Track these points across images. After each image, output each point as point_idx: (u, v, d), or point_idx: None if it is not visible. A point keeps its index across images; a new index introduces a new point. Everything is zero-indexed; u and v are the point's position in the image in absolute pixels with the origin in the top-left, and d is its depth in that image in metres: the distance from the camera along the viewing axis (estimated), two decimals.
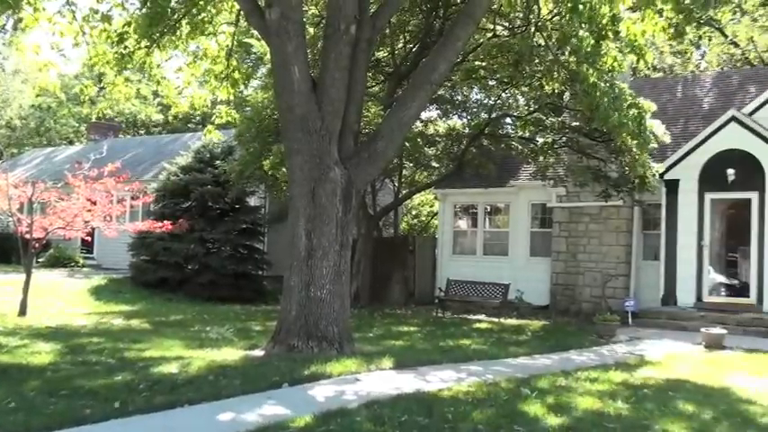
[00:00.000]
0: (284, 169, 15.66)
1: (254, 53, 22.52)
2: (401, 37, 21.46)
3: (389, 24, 18.32)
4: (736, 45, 33.20)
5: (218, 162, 22.65)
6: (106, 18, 13.06)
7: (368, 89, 19.36)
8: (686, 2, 9.36)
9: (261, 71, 25.23)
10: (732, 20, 31.91)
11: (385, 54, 21.85)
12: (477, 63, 19.41)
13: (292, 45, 10.87)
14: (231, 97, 15.02)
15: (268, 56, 14.62)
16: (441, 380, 9.08)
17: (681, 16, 9.64)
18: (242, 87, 15.04)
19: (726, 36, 32.92)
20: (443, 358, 10.85)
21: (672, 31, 10.12)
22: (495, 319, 17.38)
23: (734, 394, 8.76)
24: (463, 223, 23.39)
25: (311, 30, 17.91)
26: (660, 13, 10.43)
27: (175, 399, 7.55)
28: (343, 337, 10.89)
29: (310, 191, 10.90)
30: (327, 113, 10.96)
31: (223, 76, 14.30)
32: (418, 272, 23.13)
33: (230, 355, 10.62)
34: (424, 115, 23.71)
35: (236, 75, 14.45)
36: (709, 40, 33.58)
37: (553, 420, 7.08)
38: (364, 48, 11.58)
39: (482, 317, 17.95)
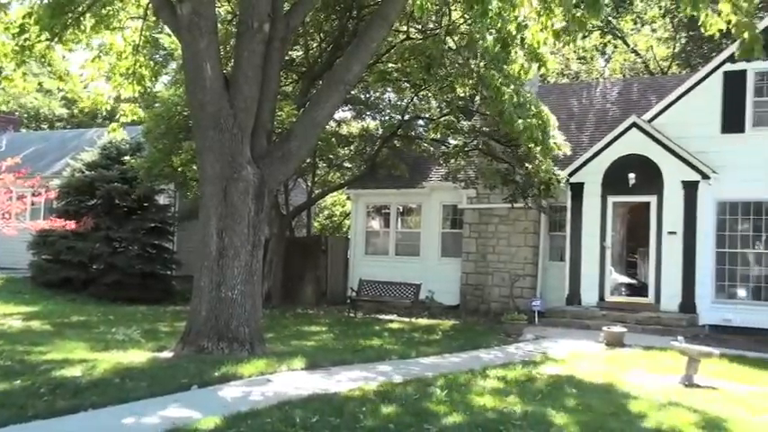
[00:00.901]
0: (195, 167, 15.36)
1: (165, 48, 22.02)
2: (315, 37, 21.43)
3: (303, 24, 18.25)
4: (638, 54, 34.64)
5: (125, 158, 22.02)
6: (4, 7, 12.50)
7: (281, 88, 19.25)
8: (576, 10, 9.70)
9: (171, 66, 24.69)
10: (633, 29, 33.33)
11: (299, 53, 21.78)
12: (390, 65, 19.58)
13: (204, 41, 10.71)
14: (137, 94, 14.58)
15: (179, 51, 14.33)
16: (352, 380, 9.11)
17: (573, 21, 9.98)
18: (150, 84, 14.61)
19: (628, 45, 34.32)
20: (355, 358, 10.90)
21: (565, 36, 10.44)
22: (407, 319, 17.57)
23: (630, 390, 9.13)
24: (376, 224, 23.53)
25: (224, 27, 17.65)
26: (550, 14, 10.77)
27: (78, 403, 7.31)
28: (254, 338, 10.79)
29: (222, 190, 10.76)
30: (240, 111, 10.84)
31: (129, 72, 13.88)
32: (331, 272, 23.13)
33: (137, 357, 10.35)
34: (337, 115, 23.77)
35: (144, 71, 14.06)
36: (615, 47, 34.94)
37: (461, 418, 7.22)
38: (278, 46, 11.51)
39: (394, 317, 18.12)
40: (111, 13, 13.42)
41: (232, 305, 10.61)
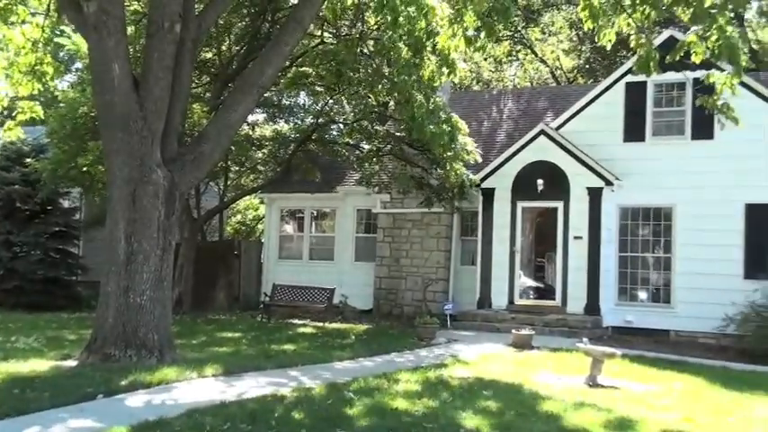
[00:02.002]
0: (102, 169, 14.89)
1: (68, 48, 21.25)
2: (228, 38, 21.15)
3: (216, 25, 18.00)
4: (545, 64, 35.71)
5: (28, 160, 21.13)
6: None
7: (193, 90, 18.92)
8: (487, 15, 9.95)
9: (77, 65, 23.87)
10: (540, 39, 34.36)
11: (211, 55, 21.44)
12: (304, 69, 19.53)
13: (112, 41, 10.42)
14: (37, 92, 13.95)
15: (84, 50, 13.86)
16: (265, 385, 9.02)
17: (483, 28, 10.23)
18: (52, 83, 13.98)
19: (536, 55, 35.34)
20: (268, 364, 10.80)
21: (476, 43, 10.69)
22: (321, 324, 17.52)
23: (538, 391, 9.39)
24: (290, 228, 23.38)
25: (133, 26, 17.19)
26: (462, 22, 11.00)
27: None
28: (164, 345, 10.54)
29: (131, 193, 10.48)
30: (150, 113, 10.59)
31: (30, 69, 13.29)
32: (244, 277, 22.84)
33: (39, 366, 9.95)
34: (251, 118, 23.50)
35: (46, 68, 13.47)
36: (525, 56, 35.92)
37: (374, 422, 7.27)
38: (189, 47, 11.32)
39: (307, 321, 18.03)
40: (9, 6, 12.81)
41: (141, 311, 10.34)
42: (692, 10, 8.82)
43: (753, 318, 14.70)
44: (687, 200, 16.75)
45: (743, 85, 15.97)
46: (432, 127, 15.23)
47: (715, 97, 9.54)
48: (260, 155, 23.99)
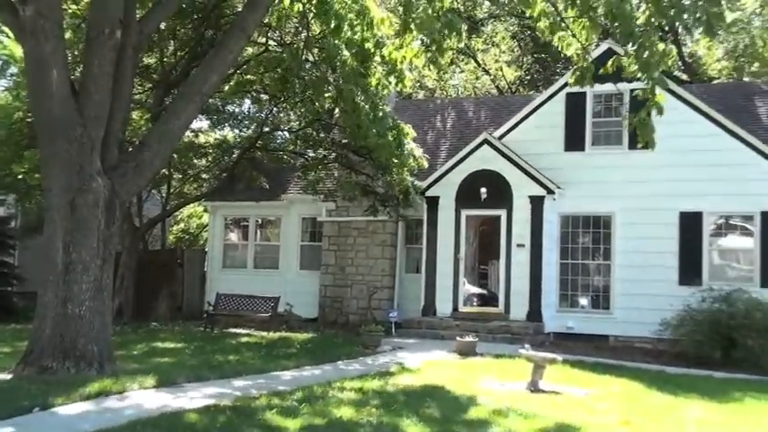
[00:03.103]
0: (39, 176, 14.54)
1: (1, 52, 20.71)
2: (171, 44, 20.88)
3: (159, 31, 17.76)
4: (488, 74, 36.22)
5: None
6: None
7: (135, 96, 18.62)
8: (439, 29, 10.09)
9: (12, 69, 23.24)
10: (483, 49, 34.85)
11: (154, 61, 21.14)
12: (249, 76, 19.41)
13: (50, 46, 10.19)
14: None
15: (19, 54, 13.53)
16: (207, 396, 8.92)
17: (433, 43, 10.38)
18: None
19: (479, 65, 35.82)
20: (211, 374, 10.67)
21: (427, 56, 10.84)
22: (265, 333, 17.35)
23: (481, 397, 9.50)
24: (234, 236, 23.18)
25: (72, 31, 16.85)
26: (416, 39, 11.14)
27: None
28: (103, 356, 10.33)
29: (69, 202, 10.25)
30: (89, 120, 10.39)
31: None
32: (187, 286, 22.52)
33: None
34: (194, 125, 23.23)
35: None
36: (466, 64, 36.33)
37: (319, 431, 7.25)
38: (131, 53, 11.15)
39: (252, 331, 17.84)
40: None
41: (79, 322, 10.12)
42: (622, 28, 9.08)
43: (687, 322, 15.11)
44: (625, 208, 17.18)
45: (677, 96, 16.58)
46: (378, 134, 15.31)
47: (641, 115, 9.75)
48: (203, 162, 23.72)
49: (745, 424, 8.90)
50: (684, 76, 26.93)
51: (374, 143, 15.49)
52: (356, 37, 12.19)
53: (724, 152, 16.60)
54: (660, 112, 9.48)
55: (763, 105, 19.99)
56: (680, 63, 26.13)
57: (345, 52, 13.72)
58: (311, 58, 16.83)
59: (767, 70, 29.72)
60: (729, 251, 16.87)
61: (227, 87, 20.22)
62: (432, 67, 10.88)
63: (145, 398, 8.73)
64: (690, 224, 16.73)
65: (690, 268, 16.56)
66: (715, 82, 29.14)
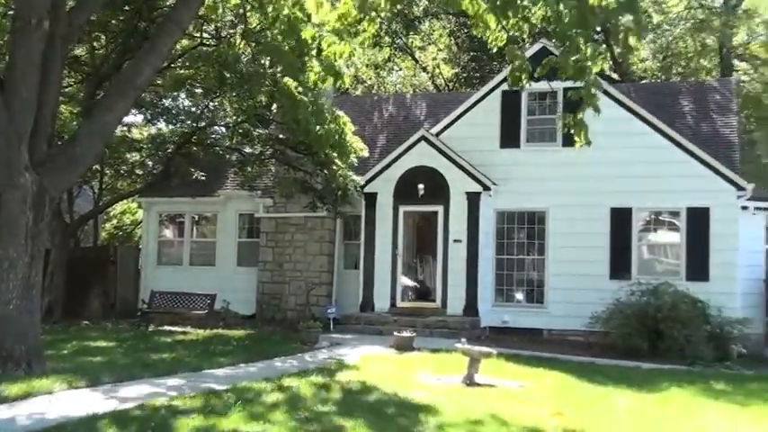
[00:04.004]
0: None
1: None
2: (102, 36, 20.36)
3: (90, 22, 17.30)
4: (426, 71, 36.48)
5: None
6: None
7: (65, 89, 18.12)
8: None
9: None
10: (420, 47, 35.10)
11: (84, 52, 20.58)
12: (183, 70, 19.08)
13: None
14: None
15: None
16: (140, 396, 8.77)
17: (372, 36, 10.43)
18: None
19: (417, 62, 36.04)
20: (145, 373, 10.50)
21: (367, 52, 10.89)
22: (202, 331, 17.13)
23: (418, 392, 9.59)
24: (169, 233, 22.81)
25: None
26: (356, 34, 11.14)
27: None
28: (32, 356, 10.05)
29: None
30: (16, 114, 10.06)
31: None
32: (120, 283, 22.05)
33: None
34: (127, 119, 22.76)
35: None
36: (403, 61, 36.52)
37: (256, 428, 7.22)
38: (60, 45, 10.84)
39: (188, 328, 17.60)
40: None
41: (7, 321, 9.83)
42: (557, 28, 9.27)
43: (617, 315, 15.56)
44: (559, 204, 17.57)
45: (609, 95, 17.01)
46: (318, 127, 15.27)
47: (576, 114, 9.96)
48: (137, 157, 23.24)
49: (670, 412, 9.23)
50: (615, 75, 27.64)
51: (314, 136, 15.44)
52: (291, 27, 12.10)
53: (653, 150, 17.13)
54: (597, 110, 9.69)
55: (689, 104, 20.70)
56: (611, 62, 26.81)
57: (284, 44, 13.62)
58: (248, 52, 16.65)
59: (693, 70, 30.78)
60: (657, 246, 17.43)
61: (161, 81, 19.84)
62: (365, 54, 10.87)
63: (75, 398, 8.53)
64: (620, 220, 17.22)
65: (620, 263, 17.04)
66: (643, 81, 30.03)
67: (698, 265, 16.62)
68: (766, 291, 17.90)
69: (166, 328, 17.68)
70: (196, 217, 22.30)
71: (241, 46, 16.39)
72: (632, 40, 9.00)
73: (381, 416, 8.06)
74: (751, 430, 8.37)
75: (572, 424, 7.99)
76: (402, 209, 18.24)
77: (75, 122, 19.44)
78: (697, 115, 20.25)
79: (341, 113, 16.85)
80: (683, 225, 16.95)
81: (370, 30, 10.99)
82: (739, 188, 16.59)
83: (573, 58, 9.28)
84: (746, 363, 14.73)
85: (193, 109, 22.06)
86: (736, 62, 30.25)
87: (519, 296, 17.93)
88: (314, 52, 13.12)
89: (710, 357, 14.40)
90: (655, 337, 14.87)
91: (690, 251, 16.81)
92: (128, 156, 23.04)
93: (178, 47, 17.17)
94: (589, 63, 9.30)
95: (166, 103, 23.46)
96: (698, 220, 16.74)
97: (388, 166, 18.35)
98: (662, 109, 19.28)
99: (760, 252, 18.17)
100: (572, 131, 10.05)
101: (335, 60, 11.86)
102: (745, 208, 17.20)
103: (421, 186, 17.82)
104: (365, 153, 17.77)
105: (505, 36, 10.29)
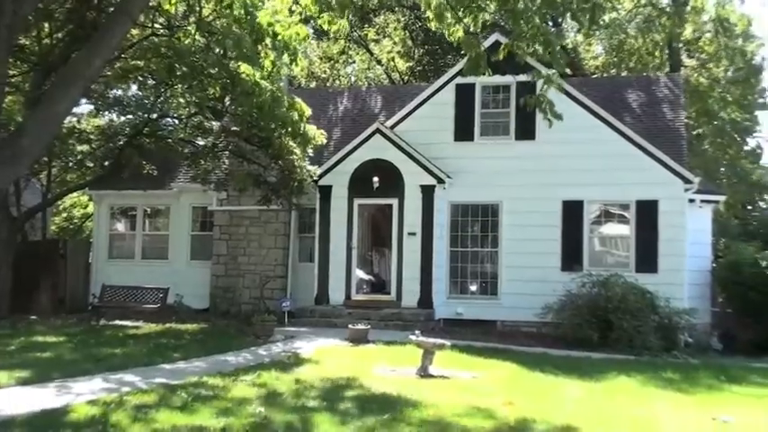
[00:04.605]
0: None
1: None
2: (50, 25, 19.87)
3: (37, 11, 16.88)
4: (381, 64, 36.49)
5: None
6: None
7: (10, 79, 17.66)
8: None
9: None
10: (374, 40, 35.09)
11: (30, 42, 20.07)
12: (134, 61, 18.72)
13: None
14: None
15: None
16: (92, 391, 8.65)
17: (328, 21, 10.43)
18: None
19: (372, 54, 36.02)
20: (96, 368, 10.36)
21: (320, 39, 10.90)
22: (154, 325, 16.91)
23: (372, 384, 9.64)
24: (121, 226, 22.46)
25: None
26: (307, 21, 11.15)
27: None
28: None
29: None
30: None
31: None
32: (70, 278, 21.61)
33: None
34: (76, 110, 22.30)
35: None
36: (358, 54, 36.45)
37: (211, 422, 7.18)
38: (4, 35, 10.55)
39: (140, 323, 17.35)
40: None
41: None
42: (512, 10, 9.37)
43: (568, 306, 15.85)
44: (512, 197, 17.76)
45: (561, 89, 17.20)
46: (279, 113, 15.18)
47: (538, 95, 10.09)
48: (87, 149, 22.76)
49: (619, 401, 9.43)
50: (567, 70, 27.98)
51: (278, 122, 15.33)
52: (246, 13, 12.01)
53: (603, 143, 17.43)
54: (561, 90, 9.78)
55: (639, 99, 21.11)
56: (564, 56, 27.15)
57: (239, 31, 13.49)
58: (202, 42, 16.41)
59: (643, 66, 31.36)
60: (608, 238, 17.76)
61: (111, 72, 19.44)
62: (318, 48, 10.89)
63: (22, 395, 8.37)
64: (572, 212, 17.50)
65: (571, 255, 17.32)
66: (594, 76, 30.51)
67: (647, 257, 16.99)
68: (712, 282, 18.42)
69: (118, 322, 17.41)
70: (148, 210, 22.00)
71: (195, 37, 16.15)
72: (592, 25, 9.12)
73: (337, 408, 8.07)
74: (695, 416, 8.61)
75: (523, 413, 8.11)
76: (357, 202, 18.25)
77: (21, 114, 18.98)
78: (646, 110, 20.67)
79: (298, 100, 16.74)
80: (633, 218, 17.29)
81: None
82: (687, 181, 16.98)
83: (535, 35, 9.34)
84: (693, 352, 15.17)
85: (145, 101, 21.65)
86: (684, 58, 30.93)
87: (473, 288, 18.10)
88: (268, 40, 13.04)
89: (658, 347, 14.75)
90: (605, 328, 15.17)
91: (639, 243, 17.16)
92: (77, 148, 22.54)
93: (129, 37, 16.83)
94: (552, 38, 9.42)
95: (117, 93, 23.03)
96: (647, 213, 17.10)
97: (343, 159, 18.34)
98: (612, 103, 19.64)
99: (706, 244, 18.69)
100: (540, 111, 10.09)
101: (291, 44, 11.79)
102: (692, 201, 17.64)
103: (376, 179, 17.84)
104: (323, 140, 17.69)
105: (461, 29, 10.36)
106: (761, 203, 32.96)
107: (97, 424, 7.01)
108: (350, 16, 10.39)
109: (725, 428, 7.97)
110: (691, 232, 17.28)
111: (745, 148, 31.36)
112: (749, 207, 32.42)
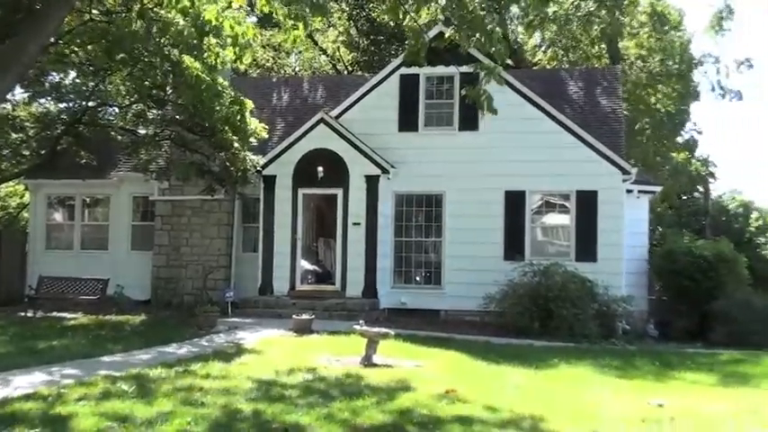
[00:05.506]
0: None
1: None
2: None
3: None
4: (326, 53, 36.30)
5: None
6: None
7: None
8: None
9: None
10: (320, 29, 34.86)
11: None
12: (72, 48, 18.24)
13: None
14: None
15: None
16: (29, 385, 8.47)
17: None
18: None
19: (317, 44, 35.80)
20: (32, 361, 10.15)
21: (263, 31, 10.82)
22: (94, 317, 16.59)
23: (316, 374, 9.66)
24: (59, 216, 21.94)
25: None
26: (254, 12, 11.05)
27: None
28: None
29: None
30: None
31: None
32: (5, 269, 21.03)
33: None
34: (11, 97, 21.60)
35: None
36: (315, 43, 36.19)
37: (153, 414, 7.11)
38: None
39: (79, 315, 16.98)
40: None
41: None
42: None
43: (510, 295, 16.11)
44: (455, 187, 17.94)
45: (504, 81, 17.41)
46: (219, 108, 14.99)
47: (478, 88, 10.16)
48: (22, 137, 22.09)
49: (559, 387, 9.66)
50: (510, 62, 28.33)
51: (218, 118, 15.14)
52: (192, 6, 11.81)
53: (545, 135, 17.72)
54: (498, 82, 9.86)
55: (579, 90, 21.53)
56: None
57: (182, 22, 13.27)
58: (141, 30, 16.08)
59: (584, 58, 31.93)
60: (549, 228, 18.10)
61: (47, 58, 18.90)
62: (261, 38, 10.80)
63: None
64: (514, 203, 17.76)
65: (514, 244, 17.59)
66: (536, 68, 30.94)
67: (586, 247, 17.36)
68: (649, 270, 18.95)
69: (56, 314, 17.00)
70: (87, 200, 21.53)
71: (136, 24, 15.81)
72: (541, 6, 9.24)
73: (270, 398, 8.07)
74: (632, 401, 8.87)
75: (465, 400, 8.24)
76: (301, 192, 18.19)
77: None
78: (586, 102, 21.10)
79: (241, 96, 16.58)
80: (573, 208, 17.64)
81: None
82: (625, 172, 17.39)
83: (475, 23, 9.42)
84: (630, 339, 15.61)
85: (83, 87, 21.11)
86: (623, 51, 31.57)
87: (417, 278, 18.25)
88: (212, 35, 12.87)
89: (597, 334, 15.14)
90: (545, 316, 15.48)
91: (579, 233, 17.52)
92: (12, 136, 21.87)
93: (66, 23, 16.38)
94: (496, 27, 9.51)
95: (54, 79, 22.40)
96: (586, 203, 17.47)
97: (288, 148, 18.24)
98: (554, 95, 19.95)
99: (643, 233, 19.22)
100: (477, 104, 10.17)
101: (237, 39, 11.65)
102: (630, 191, 18.10)
103: (320, 169, 17.81)
104: (265, 135, 17.58)
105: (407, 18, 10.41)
106: (695, 194, 33.98)
107: (34, 418, 6.87)
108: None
109: (658, 411, 8.23)
110: (629, 222, 17.73)
111: (678, 140, 32.22)
112: (684, 197, 33.38)
